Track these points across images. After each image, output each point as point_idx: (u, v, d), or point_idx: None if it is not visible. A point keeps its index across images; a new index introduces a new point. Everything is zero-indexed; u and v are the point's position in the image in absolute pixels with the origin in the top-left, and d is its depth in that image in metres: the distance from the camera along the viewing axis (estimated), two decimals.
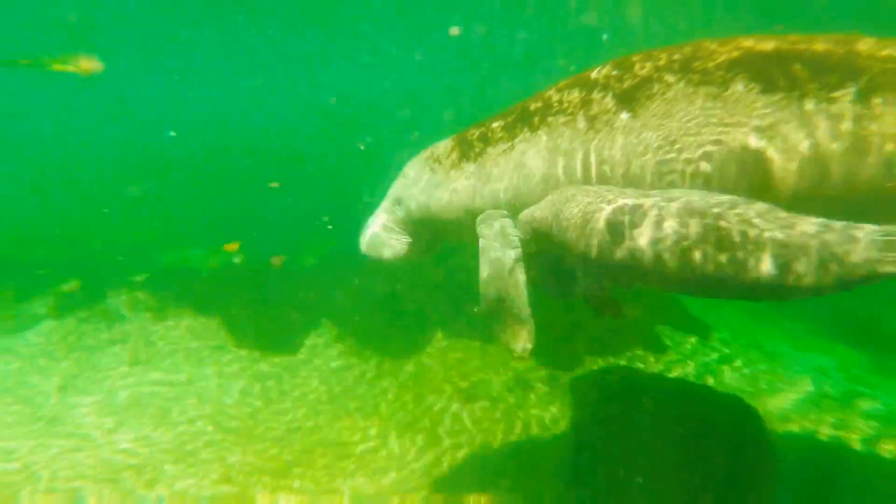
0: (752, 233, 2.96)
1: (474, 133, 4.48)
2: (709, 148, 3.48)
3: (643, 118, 3.72)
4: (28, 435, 6.51)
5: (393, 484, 5.67)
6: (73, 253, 11.38)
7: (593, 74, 4.06)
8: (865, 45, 3.66)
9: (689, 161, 3.51)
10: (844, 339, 9.21)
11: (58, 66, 4.74)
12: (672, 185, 3.59)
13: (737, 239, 2.98)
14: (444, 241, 4.87)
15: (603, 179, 3.77)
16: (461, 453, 6.04)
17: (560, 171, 3.94)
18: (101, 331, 8.51)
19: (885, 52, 3.56)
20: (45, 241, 12.47)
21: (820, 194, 3.34)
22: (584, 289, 4.18)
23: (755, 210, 3.07)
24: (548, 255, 4.54)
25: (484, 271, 4.17)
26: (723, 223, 3.02)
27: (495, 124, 4.39)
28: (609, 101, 3.90)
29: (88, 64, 4.75)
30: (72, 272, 10.04)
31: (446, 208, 4.44)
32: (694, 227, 3.09)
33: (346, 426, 6.67)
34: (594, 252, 3.39)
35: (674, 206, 3.19)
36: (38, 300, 9.31)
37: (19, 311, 9.09)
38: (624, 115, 3.82)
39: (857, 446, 5.79)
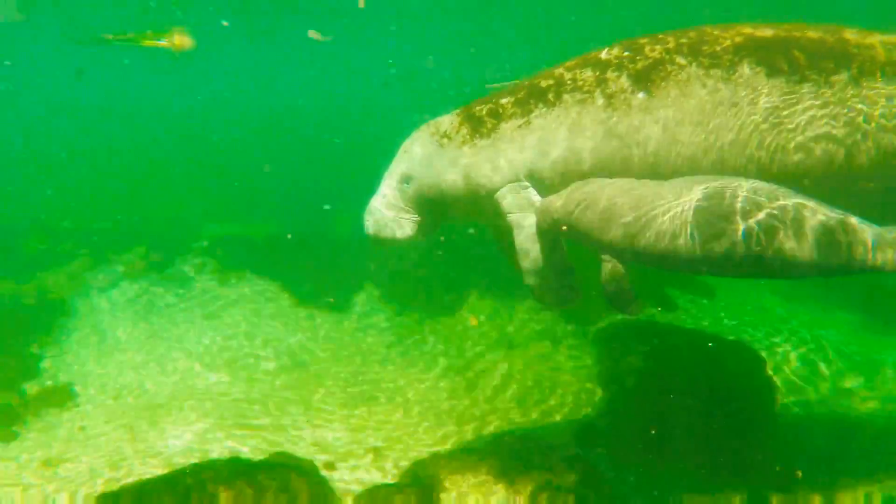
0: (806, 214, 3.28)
1: (482, 109, 4.43)
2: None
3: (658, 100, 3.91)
4: (138, 370, 7.60)
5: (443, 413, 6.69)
6: (128, 224, 12.39)
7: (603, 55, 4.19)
8: (852, 33, 3.96)
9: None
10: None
11: (148, 42, 4.69)
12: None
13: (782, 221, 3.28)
14: (450, 218, 4.82)
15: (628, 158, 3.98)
16: (497, 396, 7.03)
17: (583, 147, 4.06)
18: (172, 291, 9.57)
19: (869, 40, 3.89)
20: (101, 213, 13.52)
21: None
22: (608, 282, 3.91)
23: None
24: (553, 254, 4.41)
25: (525, 242, 4.23)
26: (775, 210, 3.29)
27: (504, 100, 4.37)
28: (625, 81, 4.02)
29: (181, 39, 4.70)
30: (134, 241, 11.07)
31: (461, 184, 4.39)
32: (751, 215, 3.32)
33: (397, 373, 7.69)
34: (644, 244, 3.54)
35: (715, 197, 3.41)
36: (112, 265, 10.37)
37: (97, 274, 10.15)
38: (640, 95, 3.99)
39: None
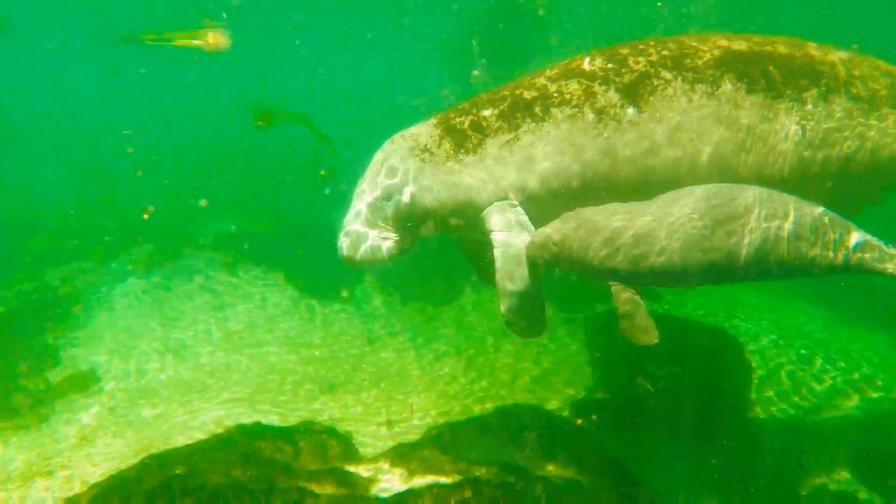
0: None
1: (462, 121, 4.28)
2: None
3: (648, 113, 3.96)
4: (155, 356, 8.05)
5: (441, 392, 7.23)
6: (133, 221, 12.74)
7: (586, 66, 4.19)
8: (815, 49, 4.25)
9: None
10: None
11: (182, 42, 4.59)
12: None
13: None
14: (427, 233, 4.58)
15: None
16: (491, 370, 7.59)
17: (574, 163, 4.02)
18: (183, 283, 9.98)
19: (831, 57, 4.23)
20: (106, 211, 13.87)
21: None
22: (625, 310, 3.77)
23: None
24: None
25: (509, 263, 4.11)
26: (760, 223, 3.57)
27: (486, 112, 4.24)
28: (613, 96, 4.01)
29: (216, 38, 4.60)
30: (141, 238, 11.45)
31: (446, 202, 4.22)
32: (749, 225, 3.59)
33: (399, 356, 8.21)
34: (649, 265, 3.64)
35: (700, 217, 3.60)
36: (121, 261, 10.76)
37: (107, 269, 10.53)
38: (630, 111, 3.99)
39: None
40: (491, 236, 4.19)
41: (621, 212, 3.79)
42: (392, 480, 4.36)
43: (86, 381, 7.65)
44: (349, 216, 4.29)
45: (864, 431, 5.91)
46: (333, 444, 5.09)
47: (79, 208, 14.17)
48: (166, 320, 8.92)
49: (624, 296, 3.76)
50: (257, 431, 5.00)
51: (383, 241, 4.23)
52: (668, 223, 3.63)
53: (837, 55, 4.35)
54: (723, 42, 4.18)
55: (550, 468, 4.56)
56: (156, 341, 8.40)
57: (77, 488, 5.14)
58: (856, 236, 3.73)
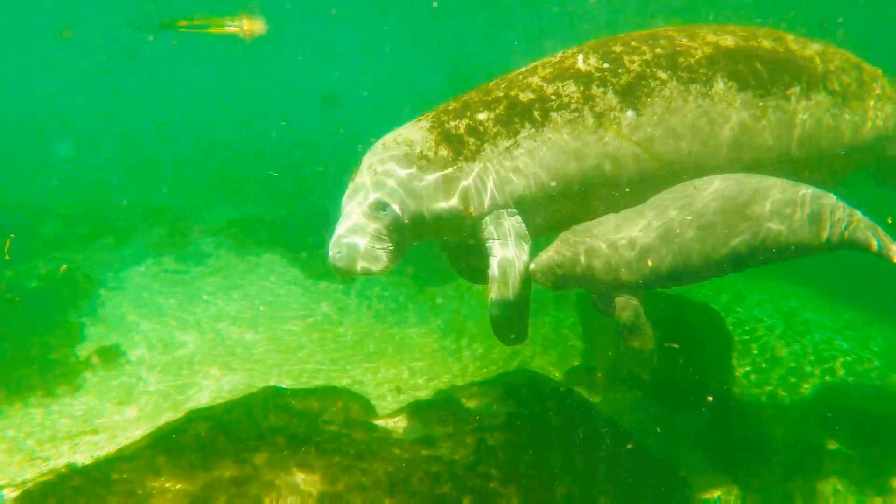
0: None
1: (458, 125, 4.19)
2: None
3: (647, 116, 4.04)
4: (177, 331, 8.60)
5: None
6: (143, 208, 13.26)
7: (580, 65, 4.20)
8: (794, 43, 4.46)
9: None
10: None
11: (217, 29, 4.49)
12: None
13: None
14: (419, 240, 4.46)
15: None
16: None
17: (575, 168, 4.09)
18: (195, 265, 10.55)
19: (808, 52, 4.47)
20: (108, 199, 14.34)
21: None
22: (625, 315, 3.96)
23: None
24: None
25: (506, 273, 4.14)
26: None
27: (482, 116, 4.18)
28: (612, 98, 4.05)
29: (252, 24, 4.48)
30: (151, 223, 11.97)
31: (446, 210, 4.12)
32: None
33: (401, 331, 8.83)
34: (665, 270, 3.79)
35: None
36: (134, 245, 11.29)
37: (121, 253, 11.06)
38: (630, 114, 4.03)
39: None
40: (487, 245, 4.20)
41: (619, 222, 3.90)
42: (412, 431, 4.96)
43: (113, 355, 8.18)
44: (341, 227, 4.08)
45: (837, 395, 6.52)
46: (354, 404, 5.69)
47: (86, 195, 14.62)
48: (182, 299, 9.48)
49: (624, 304, 3.91)
50: (283, 392, 5.59)
51: (378, 252, 4.04)
52: (667, 228, 3.78)
53: (813, 48, 4.53)
54: (711, 38, 4.30)
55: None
56: (173, 318, 8.95)
57: (124, 443, 5.70)
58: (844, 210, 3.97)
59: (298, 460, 4.04)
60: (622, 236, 3.83)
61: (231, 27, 4.48)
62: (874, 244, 3.99)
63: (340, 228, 4.07)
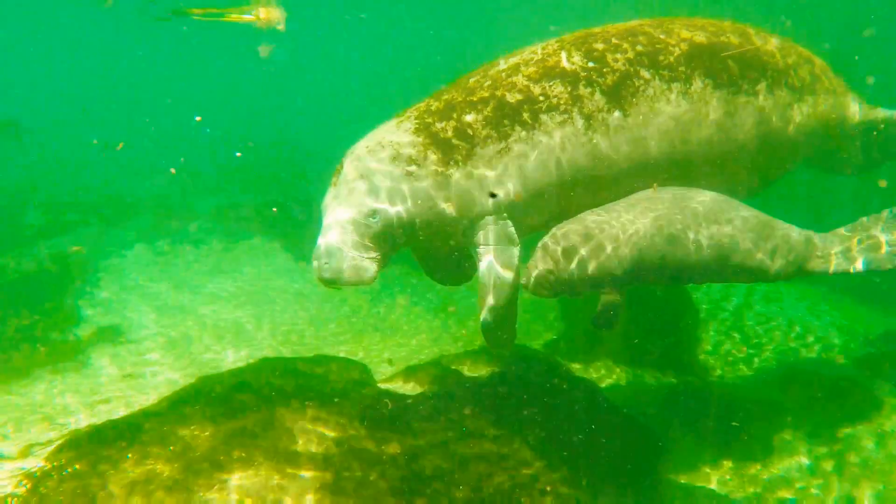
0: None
1: (445, 128, 4.11)
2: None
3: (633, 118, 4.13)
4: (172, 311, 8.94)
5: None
6: (130, 196, 13.51)
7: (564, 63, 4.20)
8: (756, 37, 4.64)
9: None
10: None
11: (233, 18, 4.45)
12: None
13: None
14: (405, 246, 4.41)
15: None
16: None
17: (567, 170, 4.13)
18: (187, 250, 10.89)
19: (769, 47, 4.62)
20: (93, 188, 14.54)
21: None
22: (604, 308, 4.23)
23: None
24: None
25: (500, 279, 4.14)
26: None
27: (469, 118, 4.11)
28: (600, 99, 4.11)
29: (269, 14, 4.38)
30: (139, 211, 12.26)
31: (437, 217, 4.07)
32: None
33: (388, 310, 9.31)
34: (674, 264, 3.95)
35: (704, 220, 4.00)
36: (124, 231, 11.57)
37: (112, 239, 11.33)
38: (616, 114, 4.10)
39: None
40: (479, 250, 4.20)
41: (599, 222, 3.99)
42: (409, 390, 5.45)
43: (114, 334, 8.53)
44: (327, 236, 3.92)
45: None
46: (354, 370, 6.15)
47: (69, 184, 14.78)
48: (176, 281, 9.84)
49: (608, 297, 4.19)
50: (288, 359, 6.03)
51: (366, 263, 3.92)
52: (646, 224, 3.95)
53: (773, 43, 4.71)
54: (685, 34, 4.42)
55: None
56: (169, 299, 9.32)
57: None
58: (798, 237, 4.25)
59: (312, 413, 4.49)
60: (608, 243, 3.92)
61: (247, 16, 4.42)
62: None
63: (325, 238, 3.92)
